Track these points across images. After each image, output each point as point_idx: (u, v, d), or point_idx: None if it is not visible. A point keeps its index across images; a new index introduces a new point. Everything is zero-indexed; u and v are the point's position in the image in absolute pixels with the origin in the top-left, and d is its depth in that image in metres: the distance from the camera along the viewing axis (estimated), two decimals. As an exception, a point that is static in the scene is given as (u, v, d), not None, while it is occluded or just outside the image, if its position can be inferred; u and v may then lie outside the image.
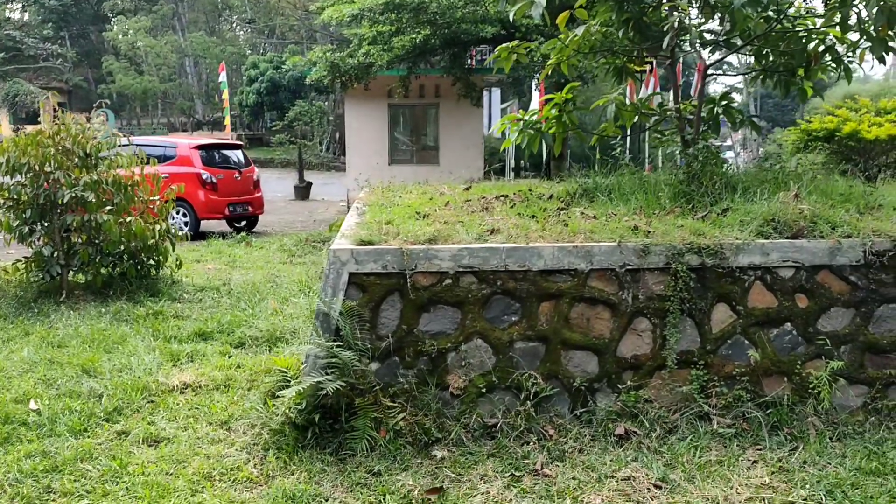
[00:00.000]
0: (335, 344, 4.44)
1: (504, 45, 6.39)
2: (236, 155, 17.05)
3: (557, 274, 4.67)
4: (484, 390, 4.64)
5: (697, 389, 4.65)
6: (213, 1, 52.59)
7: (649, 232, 4.83)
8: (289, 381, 4.76)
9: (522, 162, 35.58)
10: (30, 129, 8.53)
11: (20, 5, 52.67)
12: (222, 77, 28.88)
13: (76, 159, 8.32)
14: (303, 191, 25.68)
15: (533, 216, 5.42)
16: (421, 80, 18.71)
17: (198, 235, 14.87)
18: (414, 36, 15.17)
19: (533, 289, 4.66)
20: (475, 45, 17.19)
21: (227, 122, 30.03)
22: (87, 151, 8.37)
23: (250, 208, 16.65)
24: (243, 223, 16.94)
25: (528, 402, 4.61)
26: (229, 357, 6.26)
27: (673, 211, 5.42)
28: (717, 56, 6.83)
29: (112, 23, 46.04)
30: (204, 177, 15.48)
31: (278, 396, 4.62)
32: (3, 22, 49.95)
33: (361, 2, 15.68)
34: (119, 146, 8.84)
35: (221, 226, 16.82)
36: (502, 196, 6.66)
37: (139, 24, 45.08)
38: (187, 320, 7.35)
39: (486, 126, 28.56)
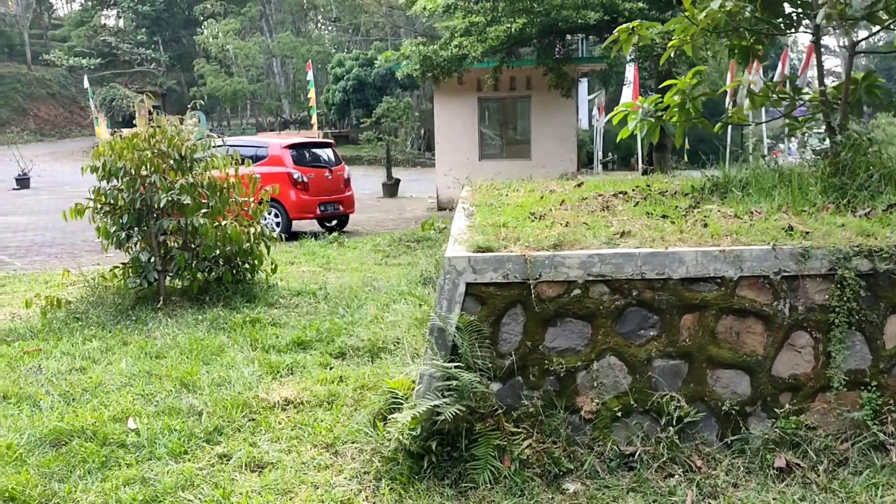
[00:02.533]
0: (453, 364, 3.98)
1: (623, 25, 5.83)
2: (326, 153, 16.87)
3: (701, 282, 4.10)
4: (619, 414, 4.11)
5: (870, 415, 4.00)
6: (299, 1, 53.26)
7: (807, 233, 4.20)
8: (399, 403, 4.34)
9: (611, 154, 34.63)
10: (126, 132, 8.40)
11: (115, 12, 54.57)
12: (309, 76, 28.86)
13: (171, 162, 8.14)
14: (391, 188, 25.47)
15: (664, 216, 4.85)
16: (512, 71, 18.15)
17: (290, 236, 14.76)
18: (509, 25, 14.62)
19: (673, 299, 4.10)
20: (574, 32, 16.48)
21: (314, 120, 30.10)
22: (182, 154, 8.18)
23: (341, 207, 16.44)
24: (334, 222, 16.77)
25: (671, 427, 4.05)
26: (330, 369, 5.91)
27: (826, 208, 4.77)
28: (860, 34, 6.07)
29: (203, 26, 47.07)
30: (295, 176, 15.34)
31: (389, 420, 4.20)
32: (99, 28, 51.85)
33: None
34: (213, 147, 8.64)
35: (312, 225, 16.70)
36: (621, 193, 6.11)
37: (228, 26, 45.94)
38: (285, 328, 7.05)
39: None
